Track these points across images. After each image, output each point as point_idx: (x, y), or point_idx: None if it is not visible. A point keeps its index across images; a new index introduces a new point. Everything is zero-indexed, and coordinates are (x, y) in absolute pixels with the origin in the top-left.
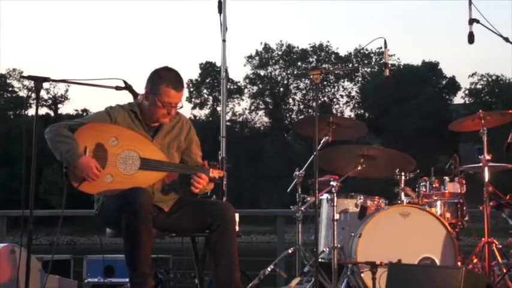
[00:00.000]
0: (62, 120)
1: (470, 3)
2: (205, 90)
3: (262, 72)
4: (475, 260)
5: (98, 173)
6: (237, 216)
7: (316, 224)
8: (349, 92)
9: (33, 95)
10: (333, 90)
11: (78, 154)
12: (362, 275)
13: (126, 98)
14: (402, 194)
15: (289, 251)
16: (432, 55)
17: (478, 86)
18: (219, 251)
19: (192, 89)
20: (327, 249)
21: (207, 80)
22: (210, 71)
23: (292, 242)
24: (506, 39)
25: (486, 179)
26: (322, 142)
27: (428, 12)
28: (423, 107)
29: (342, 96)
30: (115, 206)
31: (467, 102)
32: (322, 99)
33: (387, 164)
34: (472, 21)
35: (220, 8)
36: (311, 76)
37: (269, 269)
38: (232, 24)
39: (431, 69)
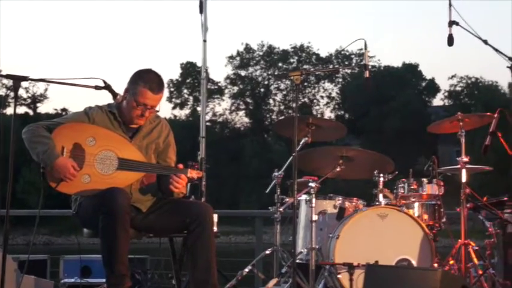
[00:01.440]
0: (40, 119)
1: (450, 5)
2: (185, 90)
3: (243, 73)
4: (451, 262)
5: (75, 173)
6: (215, 216)
7: (294, 225)
8: (330, 93)
9: (12, 94)
10: (313, 91)
11: (55, 155)
12: (339, 276)
13: (105, 97)
14: (380, 195)
15: (267, 252)
16: (412, 57)
17: (458, 88)
18: (196, 252)
19: (172, 89)
20: (305, 250)
21: (188, 80)
22: (190, 71)
23: (271, 242)
24: (485, 42)
25: (463, 181)
26: (301, 143)
27: (408, 14)
28: (403, 108)
29: (322, 97)
30: (92, 206)
31: (446, 104)
32: (303, 100)
33: (366, 165)
34: (451, 23)
35: (202, 8)
36: (291, 77)
37: (247, 270)
38: (214, 25)
39: (411, 70)
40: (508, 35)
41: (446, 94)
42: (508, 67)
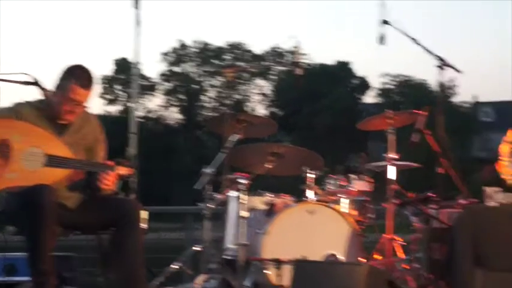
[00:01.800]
0: None
1: (382, 4)
2: (118, 86)
3: (177, 69)
4: (377, 256)
5: (0, 169)
6: (144, 213)
7: (224, 221)
8: (263, 90)
9: None
10: (247, 88)
11: None
12: (267, 271)
13: (34, 93)
14: (309, 191)
15: (196, 248)
16: (345, 55)
17: (389, 86)
18: (123, 249)
19: (105, 85)
20: (234, 246)
21: (120, 76)
22: (123, 67)
23: (201, 239)
24: (415, 41)
25: (390, 177)
26: (233, 140)
27: (340, 12)
28: (335, 105)
29: (255, 94)
30: (18, 203)
31: (377, 101)
32: (236, 97)
33: (296, 161)
34: (383, 22)
35: (136, 3)
36: (225, 74)
37: (175, 266)
38: (148, 20)
39: (343, 68)
40: (438, 34)
41: (377, 92)
42: (436, 66)
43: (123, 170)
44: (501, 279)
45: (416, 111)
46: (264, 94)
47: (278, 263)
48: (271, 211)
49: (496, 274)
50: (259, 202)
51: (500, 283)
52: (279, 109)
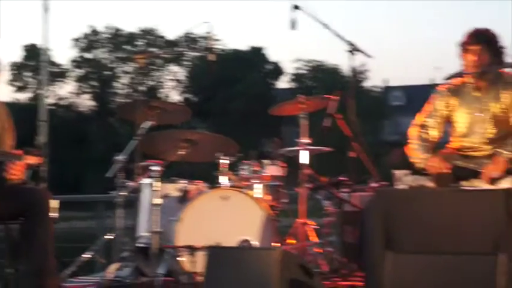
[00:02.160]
0: None
1: None
2: (28, 73)
3: (88, 56)
4: (291, 241)
5: None
6: (54, 202)
7: (137, 209)
8: (177, 76)
9: None
10: (160, 74)
11: None
12: (181, 259)
13: None
14: (223, 177)
15: (108, 237)
16: (258, 40)
17: (302, 71)
18: (32, 239)
19: (14, 72)
20: (147, 234)
21: (30, 63)
22: (33, 53)
23: (114, 227)
24: (326, 26)
25: (303, 162)
26: (145, 127)
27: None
28: (248, 91)
29: (169, 80)
30: None
31: (291, 87)
32: (149, 83)
33: (210, 148)
34: (294, 7)
35: None
36: (136, 60)
37: (87, 256)
38: (58, 6)
39: (257, 54)
40: (349, 20)
41: (291, 77)
42: (347, 51)
43: (32, 159)
44: (410, 260)
45: (328, 96)
46: (177, 80)
47: (192, 250)
48: (184, 198)
49: (405, 256)
50: (173, 189)
51: (409, 265)
52: (193, 95)
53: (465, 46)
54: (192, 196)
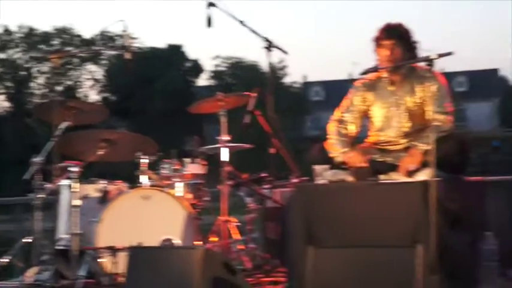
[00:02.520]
0: None
1: None
2: None
3: (1, 56)
4: (214, 239)
5: None
6: None
7: (56, 211)
8: (95, 76)
9: None
10: (77, 73)
11: None
12: (102, 260)
13: None
14: (143, 177)
15: (27, 240)
16: (176, 38)
17: (221, 69)
18: None
19: None
20: (67, 236)
21: None
22: None
23: (32, 230)
24: (242, 23)
25: (223, 159)
26: (62, 127)
27: None
28: (168, 89)
29: (87, 79)
30: None
31: (210, 84)
32: (67, 83)
33: (129, 147)
34: (209, 4)
35: None
36: (51, 59)
37: (4, 260)
38: None
39: (175, 51)
40: (265, 16)
41: (210, 74)
42: (264, 47)
43: None
44: (331, 255)
45: (247, 93)
46: (95, 79)
47: (113, 250)
48: (104, 198)
49: (327, 250)
50: (92, 190)
51: (331, 259)
52: (111, 94)
53: (378, 41)
54: (112, 196)
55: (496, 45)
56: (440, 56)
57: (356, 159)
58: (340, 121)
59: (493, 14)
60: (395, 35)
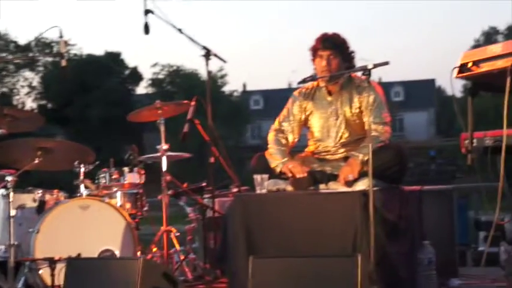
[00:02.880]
0: None
1: None
2: None
3: None
4: (154, 249)
5: None
6: None
7: None
8: (31, 82)
9: None
10: (13, 80)
11: None
12: (40, 271)
13: None
14: (82, 186)
15: None
16: (114, 45)
17: (160, 76)
18: None
19: None
20: (3, 247)
21: None
22: None
23: None
24: (180, 31)
25: (164, 169)
26: None
27: (108, 2)
28: (107, 97)
29: (23, 86)
30: None
31: (150, 92)
32: (2, 90)
33: (66, 156)
34: (147, 12)
35: None
36: None
37: None
38: None
39: (113, 59)
40: (205, 24)
41: (149, 82)
42: (201, 55)
43: None
44: (272, 265)
45: (185, 102)
46: (31, 86)
47: (51, 262)
48: (41, 208)
49: (268, 260)
50: (29, 199)
51: (272, 269)
52: (49, 102)
53: (315, 51)
54: (50, 206)
55: (432, 56)
56: (377, 65)
57: (295, 169)
58: (280, 130)
59: (431, 26)
60: (332, 46)
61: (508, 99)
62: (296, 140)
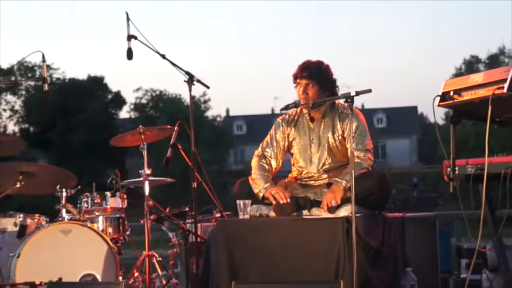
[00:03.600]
0: None
1: (128, 19)
2: None
3: None
4: (136, 274)
5: None
6: None
7: None
8: (13, 106)
9: None
10: None
11: None
12: None
13: None
14: (63, 210)
15: None
16: (97, 69)
17: (143, 101)
18: None
19: None
20: None
21: None
22: None
23: None
24: (163, 56)
25: (146, 193)
26: None
27: (92, 25)
28: (90, 121)
29: (5, 110)
30: None
31: (133, 116)
32: None
33: (48, 180)
34: (130, 37)
35: None
36: None
37: None
38: None
39: (96, 83)
40: (188, 49)
41: (132, 107)
42: (184, 81)
43: None
44: None
45: (168, 126)
46: (14, 110)
47: (32, 286)
48: (22, 232)
49: (250, 286)
50: (10, 223)
51: None
52: (31, 125)
53: (295, 79)
54: (31, 231)
55: (415, 82)
56: (359, 93)
57: (278, 194)
58: (263, 156)
59: (413, 52)
60: (310, 75)
61: (490, 127)
62: (279, 166)
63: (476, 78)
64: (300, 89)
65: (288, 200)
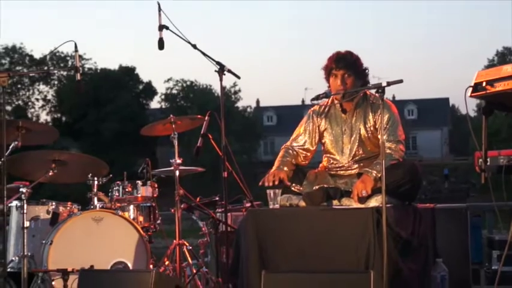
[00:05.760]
0: None
1: (159, 9)
2: None
3: None
4: (166, 262)
5: None
6: None
7: (5, 233)
8: (45, 96)
9: None
10: (28, 93)
11: None
12: (53, 283)
13: None
14: (95, 198)
15: None
16: (129, 60)
17: (174, 91)
18: None
19: None
20: (17, 258)
21: None
22: None
23: None
24: (194, 46)
25: (177, 182)
26: (11, 147)
27: (123, 16)
28: (121, 111)
29: (37, 99)
30: None
31: (163, 107)
32: (17, 103)
33: (80, 169)
34: (161, 27)
35: None
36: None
37: None
38: None
39: (128, 73)
40: (220, 40)
41: (163, 97)
42: (215, 71)
43: None
44: (285, 280)
45: (199, 116)
46: (45, 100)
47: (64, 273)
48: (55, 220)
49: (280, 275)
50: (43, 211)
51: (285, 284)
52: (63, 115)
53: (329, 70)
54: (63, 218)
55: (446, 74)
56: (390, 83)
57: (271, 176)
58: (290, 147)
59: (445, 44)
60: (346, 65)
61: None
62: (310, 156)
63: (510, 69)
64: (336, 80)
65: (319, 190)
